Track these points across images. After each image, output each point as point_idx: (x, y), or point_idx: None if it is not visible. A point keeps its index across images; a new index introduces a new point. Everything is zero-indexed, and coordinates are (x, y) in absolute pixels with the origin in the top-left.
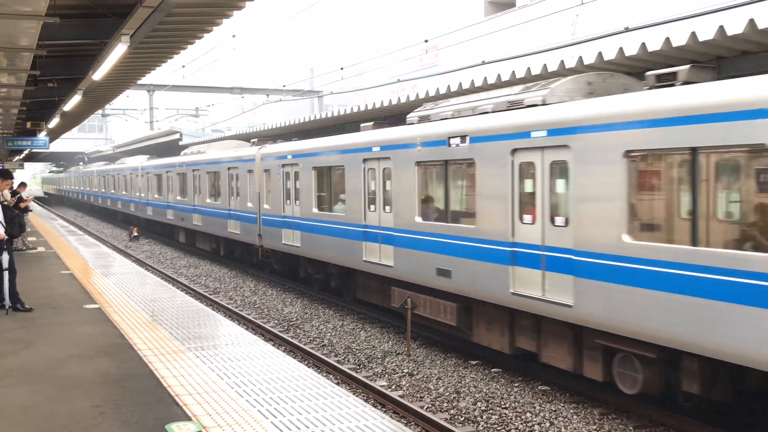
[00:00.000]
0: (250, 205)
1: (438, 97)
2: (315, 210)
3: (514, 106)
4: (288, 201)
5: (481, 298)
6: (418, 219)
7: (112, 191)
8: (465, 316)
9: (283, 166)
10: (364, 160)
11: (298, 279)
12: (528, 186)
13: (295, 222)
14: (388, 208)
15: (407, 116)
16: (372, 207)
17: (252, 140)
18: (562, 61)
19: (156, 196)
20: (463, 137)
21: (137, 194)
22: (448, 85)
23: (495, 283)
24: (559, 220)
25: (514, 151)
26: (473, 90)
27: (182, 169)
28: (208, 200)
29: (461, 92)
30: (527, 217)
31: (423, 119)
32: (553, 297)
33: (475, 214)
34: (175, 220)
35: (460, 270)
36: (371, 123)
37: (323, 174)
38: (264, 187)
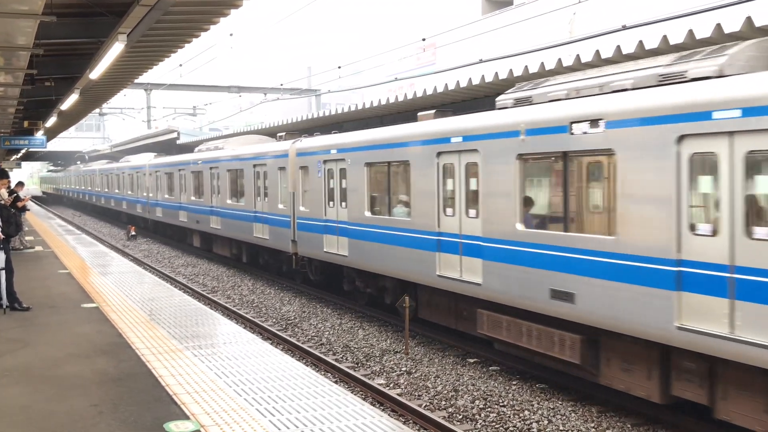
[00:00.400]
0: (281, 207)
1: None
2: (367, 214)
3: (669, 79)
4: (331, 203)
5: (625, 332)
6: (520, 226)
7: (117, 191)
8: (591, 352)
9: (325, 162)
10: (439, 154)
11: (340, 292)
12: (704, 184)
13: (341, 227)
14: (472, 212)
15: (497, 99)
16: (449, 210)
17: (279, 134)
18: (560, 59)
19: (166, 196)
20: (594, 121)
21: (144, 194)
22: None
23: (649, 312)
24: (762, 232)
25: (682, 138)
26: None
27: (198, 166)
28: (229, 201)
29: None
30: (704, 227)
31: (521, 102)
32: (752, 336)
33: (615, 221)
34: (189, 222)
35: (589, 293)
36: (432, 111)
37: (379, 171)
38: (300, 186)
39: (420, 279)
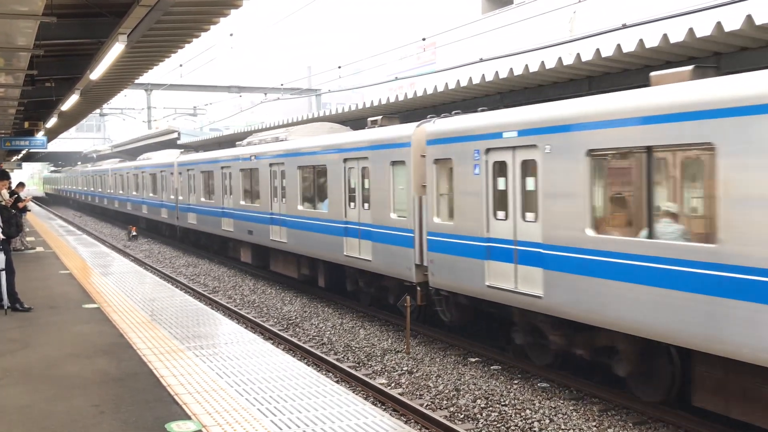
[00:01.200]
0: (395, 216)
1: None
2: (590, 232)
3: None
4: (500, 213)
5: None
6: None
7: (134, 193)
8: None
9: (488, 151)
10: None
11: (495, 344)
12: None
13: (525, 251)
14: None
15: None
16: None
17: (371, 119)
18: (560, 58)
19: (203, 199)
20: None
21: (171, 197)
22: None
23: None
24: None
25: None
26: None
27: (250, 163)
28: (301, 207)
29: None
30: None
31: None
32: None
33: None
34: (237, 232)
35: None
36: (690, 67)
37: (618, 164)
38: (434, 188)
39: (728, 349)
